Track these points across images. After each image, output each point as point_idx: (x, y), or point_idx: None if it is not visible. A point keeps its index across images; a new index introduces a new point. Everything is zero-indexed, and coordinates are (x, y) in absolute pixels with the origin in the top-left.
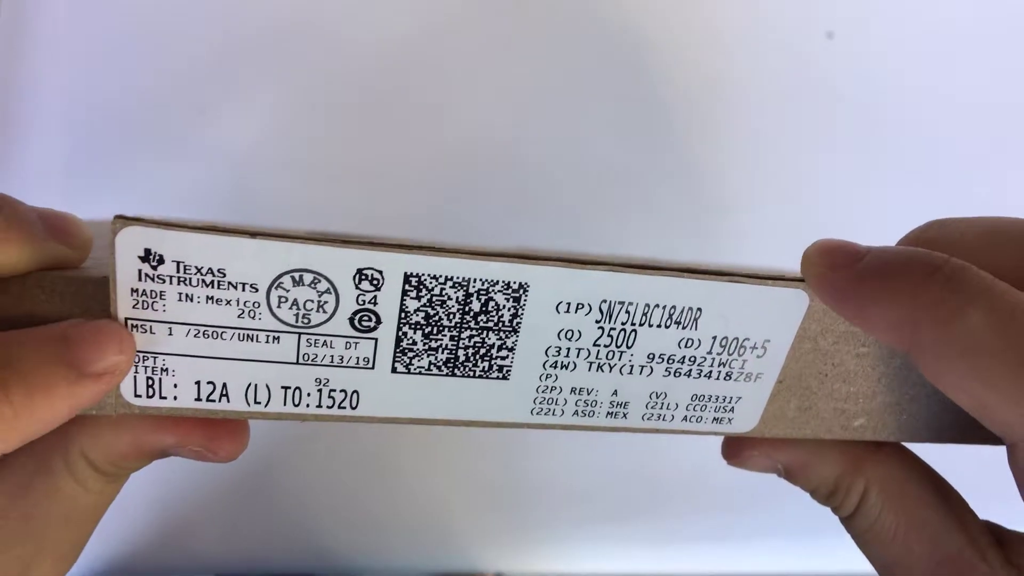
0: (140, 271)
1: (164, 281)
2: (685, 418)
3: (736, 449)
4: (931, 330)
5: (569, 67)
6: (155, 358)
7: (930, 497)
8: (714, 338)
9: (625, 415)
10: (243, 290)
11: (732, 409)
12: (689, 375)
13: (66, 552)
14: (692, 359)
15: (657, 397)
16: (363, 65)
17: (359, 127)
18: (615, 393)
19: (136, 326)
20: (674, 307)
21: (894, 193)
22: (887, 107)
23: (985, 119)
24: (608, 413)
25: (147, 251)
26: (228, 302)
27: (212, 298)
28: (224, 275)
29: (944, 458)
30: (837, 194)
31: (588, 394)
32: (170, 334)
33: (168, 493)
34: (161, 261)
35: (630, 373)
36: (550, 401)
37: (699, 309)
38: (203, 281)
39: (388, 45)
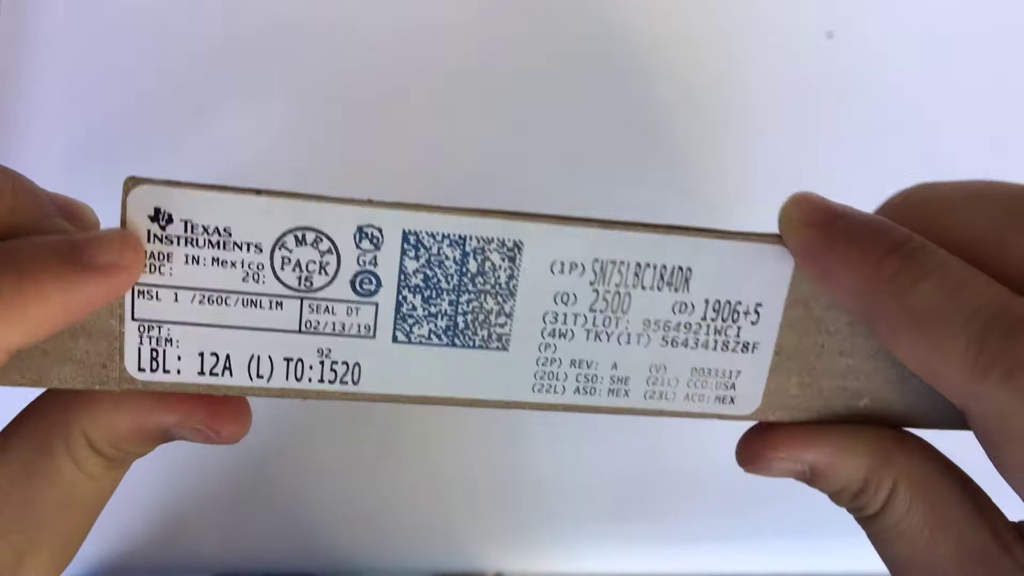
0: (149, 231)
1: (172, 242)
2: (687, 396)
3: (757, 453)
4: (887, 299)
5: (569, 67)
6: (160, 327)
7: (956, 491)
8: (706, 301)
9: (627, 392)
10: (248, 251)
11: (733, 386)
12: (686, 344)
13: (63, 544)
14: (687, 326)
15: (657, 371)
16: (364, 65)
17: (360, 127)
18: (615, 367)
19: (142, 292)
20: (664, 266)
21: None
22: (887, 107)
23: (986, 119)
24: (610, 390)
25: (157, 210)
26: (233, 264)
27: (218, 260)
28: (230, 235)
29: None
30: (837, 194)
31: (588, 367)
32: (176, 300)
33: (167, 492)
34: (170, 220)
35: (628, 343)
36: (551, 376)
37: (689, 269)
38: (209, 241)
39: (389, 45)
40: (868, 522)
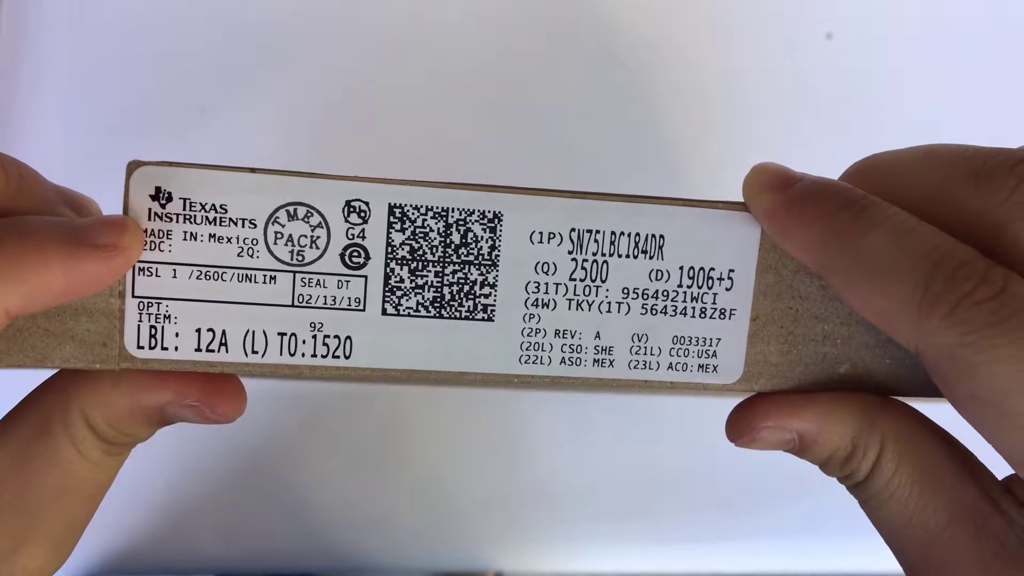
0: (150, 210)
1: (171, 219)
2: (671, 366)
3: (745, 426)
4: (839, 251)
5: (568, 67)
6: (159, 304)
7: (942, 450)
8: (681, 268)
9: (611, 362)
10: (243, 226)
11: (715, 354)
12: (665, 312)
13: (60, 535)
14: (665, 293)
15: (639, 340)
16: (365, 64)
17: (360, 125)
18: (598, 336)
19: (143, 269)
20: (638, 234)
21: None
22: (887, 108)
23: (985, 119)
24: (594, 360)
25: (157, 189)
26: (229, 239)
27: (214, 236)
28: (226, 211)
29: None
30: None
31: (572, 337)
32: (174, 276)
33: (168, 492)
34: (170, 199)
35: (609, 311)
36: (536, 346)
37: (662, 236)
38: (207, 218)
39: (390, 44)
40: (859, 489)
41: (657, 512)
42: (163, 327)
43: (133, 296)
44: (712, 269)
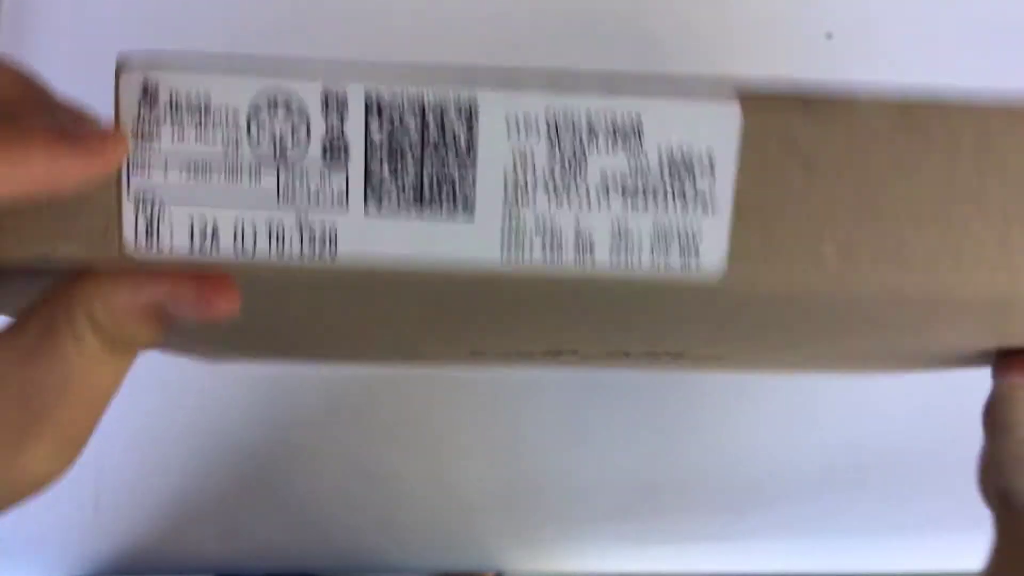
0: (139, 105)
1: (159, 118)
2: (652, 257)
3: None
4: None
5: (569, 67)
6: (152, 201)
7: None
8: (660, 157)
9: (592, 254)
10: (225, 121)
11: (696, 243)
12: (646, 202)
13: (63, 437)
14: (645, 184)
15: (620, 231)
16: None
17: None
18: (578, 229)
19: (135, 167)
20: (615, 116)
21: None
22: None
23: None
24: (576, 253)
25: (145, 87)
26: (214, 136)
27: (200, 132)
28: (209, 107)
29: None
30: None
31: (552, 230)
32: (165, 175)
33: (169, 492)
34: (156, 97)
35: (589, 205)
36: (517, 241)
37: (638, 114)
38: (192, 115)
39: (391, 43)
40: None
41: (657, 512)
42: (158, 225)
43: (128, 194)
44: (692, 156)
